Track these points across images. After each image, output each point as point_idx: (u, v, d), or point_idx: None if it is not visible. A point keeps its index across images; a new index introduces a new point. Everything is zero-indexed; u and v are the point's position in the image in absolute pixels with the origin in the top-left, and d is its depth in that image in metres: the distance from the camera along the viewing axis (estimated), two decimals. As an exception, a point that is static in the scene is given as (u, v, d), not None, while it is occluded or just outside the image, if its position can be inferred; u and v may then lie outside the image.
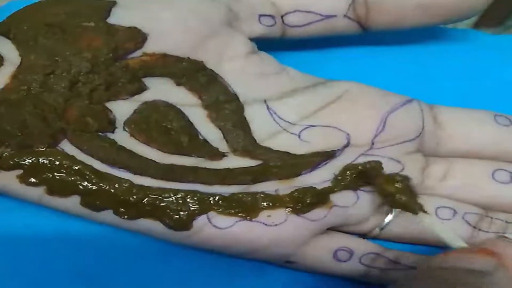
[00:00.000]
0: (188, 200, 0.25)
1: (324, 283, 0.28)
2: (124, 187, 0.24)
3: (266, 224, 0.25)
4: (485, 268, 0.20)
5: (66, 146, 0.24)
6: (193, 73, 0.26)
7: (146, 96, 0.25)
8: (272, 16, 0.27)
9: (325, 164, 0.26)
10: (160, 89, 0.26)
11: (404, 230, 0.27)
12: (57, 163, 0.24)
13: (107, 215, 0.25)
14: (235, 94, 0.26)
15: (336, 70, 0.30)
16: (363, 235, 0.28)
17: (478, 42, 0.33)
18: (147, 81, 0.25)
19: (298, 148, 0.27)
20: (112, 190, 0.24)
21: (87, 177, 0.24)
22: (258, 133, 0.26)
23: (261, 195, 0.25)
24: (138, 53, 0.25)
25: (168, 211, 0.24)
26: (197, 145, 0.26)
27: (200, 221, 0.25)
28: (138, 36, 0.25)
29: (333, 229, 0.27)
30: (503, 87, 0.32)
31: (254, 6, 0.27)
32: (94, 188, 0.24)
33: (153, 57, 0.25)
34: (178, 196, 0.25)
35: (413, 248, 0.28)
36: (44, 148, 0.24)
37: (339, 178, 0.26)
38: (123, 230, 0.25)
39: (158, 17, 0.25)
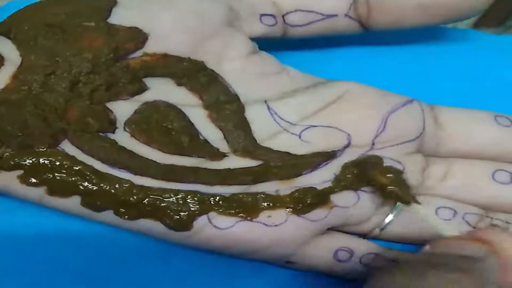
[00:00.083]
0: (188, 200, 0.25)
1: (324, 283, 0.28)
2: (124, 188, 0.24)
3: (266, 225, 0.25)
4: (475, 254, 0.20)
5: (67, 147, 0.24)
6: (194, 73, 0.26)
7: (147, 96, 0.25)
8: (273, 16, 0.27)
9: (326, 164, 0.26)
10: (161, 89, 0.26)
11: (404, 230, 0.28)
12: (57, 163, 0.24)
13: (108, 216, 0.25)
14: (236, 95, 0.26)
15: (337, 70, 0.30)
16: (363, 235, 0.28)
17: (478, 42, 0.33)
18: (148, 81, 0.25)
19: (298, 148, 0.26)
20: (113, 191, 0.24)
21: (87, 177, 0.24)
22: (259, 133, 0.26)
23: (262, 195, 0.25)
24: (138, 53, 0.25)
25: (169, 211, 0.25)
26: (198, 145, 0.26)
27: (201, 222, 0.25)
28: (138, 36, 0.25)
29: (334, 229, 0.27)
30: (503, 87, 0.32)
31: (255, 6, 0.27)
32: (94, 188, 0.24)
33: (154, 57, 0.25)
34: (178, 196, 0.25)
35: (413, 248, 0.28)
36: (45, 149, 0.24)
37: (340, 178, 0.26)
38: (124, 230, 0.25)
39: (159, 17, 0.25)
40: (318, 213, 0.26)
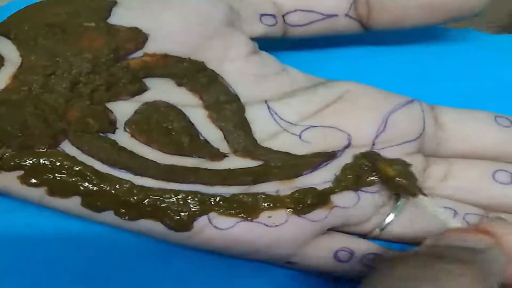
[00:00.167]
0: (189, 200, 0.25)
1: (324, 283, 0.28)
2: (125, 188, 0.24)
3: (266, 225, 0.25)
4: (477, 245, 0.20)
5: (67, 147, 0.24)
6: (194, 74, 0.26)
7: (147, 96, 0.25)
8: (273, 16, 0.27)
9: (326, 164, 0.26)
10: (161, 90, 0.26)
11: (404, 230, 0.27)
12: (58, 164, 0.24)
13: (108, 216, 0.24)
14: (236, 95, 0.26)
15: (337, 70, 0.30)
16: (364, 236, 0.28)
17: (478, 42, 0.33)
18: (148, 81, 0.25)
19: (299, 148, 0.26)
20: (113, 191, 0.24)
21: (88, 178, 0.24)
22: (259, 134, 0.26)
23: (262, 195, 0.25)
24: (139, 53, 0.25)
25: (169, 211, 0.25)
26: (198, 145, 0.26)
27: (201, 222, 0.25)
28: (139, 37, 0.25)
29: (334, 229, 0.27)
30: (503, 87, 0.32)
31: (255, 6, 0.27)
32: (95, 189, 0.24)
33: (154, 58, 0.25)
34: (179, 196, 0.25)
35: (413, 248, 0.28)
36: (45, 149, 0.24)
37: (340, 178, 0.26)
38: (124, 231, 0.25)
39: (159, 17, 0.25)
40: (319, 214, 0.26)
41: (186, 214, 0.25)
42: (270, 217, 0.25)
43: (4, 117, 0.23)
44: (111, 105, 0.25)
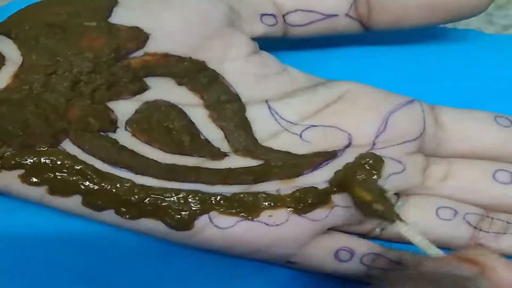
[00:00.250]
0: (189, 200, 0.25)
1: (325, 283, 0.28)
2: (125, 187, 0.24)
3: (267, 224, 0.25)
4: (468, 273, 0.21)
5: (68, 146, 0.24)
6: (195, 73, 0.26)
7: (148, 95, 0.25)
8: (273, 16, 0.27)
9: (327, 164, 0.26)
10: (162, 89, 0.26)
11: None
12: (58, 162, 0.24)
13: (109, 215, 0.24)
14: (237, 94, 0.26)
15: (337, 70, 0.30)
16: (364, 235, 0.28)
17: (478, 42, 0.33)
18: (149, 81, 0.25)
19: (299, 148, 0.26)
20: (114, 190, 0.24)
21: (88, 177, 0.24)
22: (260, 133, 0.26)
23: (263, 195, 0.25)
24: (139, 52, 0.25)
25: (170, 211, 0.24)
26: (199, 145, 0.26)
27: (202, 221, 0.25)
28: (140, 36, 0.25)
29: (334, 229, 0.27)
30: (503, 87, 0.32)
31: (256, 5, 0.27)
32: (95, 188, 0.24)
33: (155, 57, 0.25)
34: (179, 196, 0.25)
35: (414, 248, 0.28)
36: (46, 148, 0.24)
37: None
38: (125, 230, 0.25)
39: (160, 17, 0.25)
40: (319, 213, 0.26)
41: (187, 213, 0.25)
42: (270, 216, 0.25)
43: (5, 116, 0.23)
44: (112, 104, 0.25)
